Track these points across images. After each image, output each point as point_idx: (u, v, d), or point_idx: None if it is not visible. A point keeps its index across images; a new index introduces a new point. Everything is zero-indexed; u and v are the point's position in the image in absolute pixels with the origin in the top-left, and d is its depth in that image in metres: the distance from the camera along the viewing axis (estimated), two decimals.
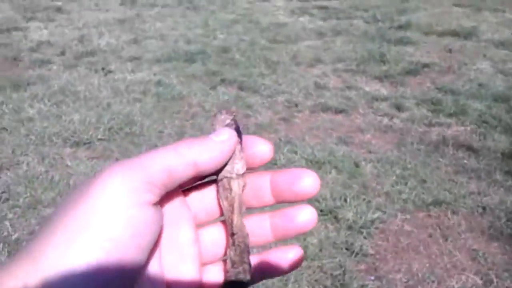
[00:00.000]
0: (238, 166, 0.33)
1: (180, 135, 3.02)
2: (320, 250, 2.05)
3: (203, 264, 0.35)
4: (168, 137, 2.98)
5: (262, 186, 0.35)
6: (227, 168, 0.33)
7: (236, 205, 0.33)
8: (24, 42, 4.72)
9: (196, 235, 0.34)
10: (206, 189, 0.36)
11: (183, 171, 0.30)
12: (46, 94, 3.46)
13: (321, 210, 2.27)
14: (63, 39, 4.84)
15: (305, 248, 2.02)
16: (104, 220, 0.26)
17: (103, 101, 3.39)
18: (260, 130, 3.14)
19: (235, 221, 0.33)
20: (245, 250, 0.33)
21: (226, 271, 0.34)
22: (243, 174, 0.33)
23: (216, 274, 0.35)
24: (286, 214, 0.34)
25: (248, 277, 0.33)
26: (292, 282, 1.88)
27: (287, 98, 3.55)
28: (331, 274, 1.93)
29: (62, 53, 4.44)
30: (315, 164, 2.69)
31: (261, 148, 0.34)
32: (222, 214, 0.35)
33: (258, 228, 0.35)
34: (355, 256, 2.03)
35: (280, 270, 0.35)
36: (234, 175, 0.33)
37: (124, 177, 0.27)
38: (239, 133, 0.34)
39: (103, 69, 3.99)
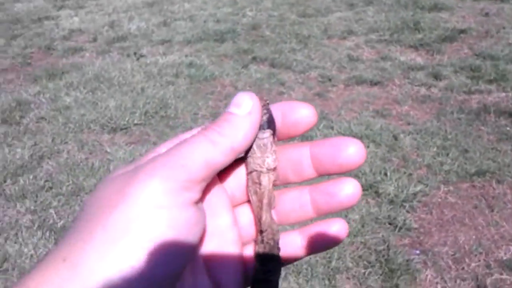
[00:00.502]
0: (269, 160, 0.31)
1: (214, 117, 3.01)
2: (362, 226, 2.02)
3: (244, 243, 0.34)
4: (203, 119, 2.98)
5: (301, 159, 0.32)
6: (258, 161, 0.31)
7: (265, 201, 0.31)
8: (56, 30, 4.78)
9: (234, 217, 0.33)
10: (239, 167, 0.34)
11: (222, 160, 0.28)
12: (81, 81, 3.51)
13: (361, 186, 2.24)
14: (94, 25, 4.88)
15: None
16: (145, 222, 0.24)
17: (137, 85, 3.41)
18: None
19: (263, 218, 0.31)
20: (275, 247, 0.31)
21: (254, 268, 0.32)
22: (274, 168, 0.31)
23: None
24: (327, 188, 0.32)
25: (277, 276, 0.31)
26: (336, 259, 1.87)
27: (320, 73, 3.50)
28: (375, 250, 1.91)
29: (94, 40, 4.48)
30: None
31: (303, 112, 0.31)
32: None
33: (298, 204, 0.33)
34: (399, 231, 2.00)
35: (324, 244, 0.33)
36: (264, 169, 0.31)
37: (163, 177, 0.26)
38: (273, 123, 0.31)
39: (135, 53, 4.01)
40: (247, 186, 0.32)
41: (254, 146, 0.31)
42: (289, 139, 0.33)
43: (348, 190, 0.31)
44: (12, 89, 3.44)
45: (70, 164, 2.53)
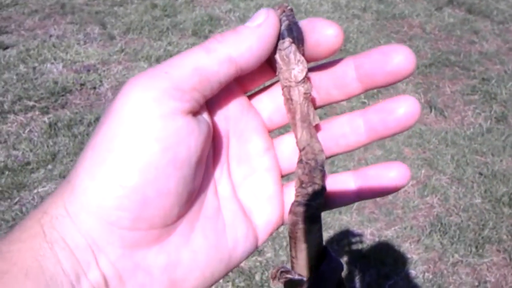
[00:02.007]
0: (295, 71, 0.28)
1: None
2: None
3: (285, 175, 0.32)
4: None
5: (345, 72, 0.29)
6: (285, 75, 0.28)
7: (298, 116, 0.28)
8: None
9: (268, 143, 0.31)
10: (278, 88, 0.31)
11: (217, 69, 0.25)
12: (271, 4, 3.62)
13: None
14: None
15: None
16: (128, 138, 0.23)
17: (322, 15, 3.42)
18: (483, 59, 2.88)
19: (299, 135, 0.28)
20: (316, 168, 0.28)
21: (296, 192, 0.29)
22: (304, 80, 0.28)
23: None
24: (383, 106, 0.28)
25: (317, 201, 0.28)
26: (490, 228, 1.78)
27: None
28: None
29: None
30: None
31: (326, 32, 0.27)
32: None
33: (348, 127, 0.30)
34: None
35: (380, 190, 0.29)
36: (292, 83, 0.28)
37: (146, 86, 0.23)
38: (295, 31, 0.28)
39: None
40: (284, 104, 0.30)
41: (278, 60, 0.28)
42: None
43: (407, 107, 0.28)
44: (207, 4, 3.68)
45: None
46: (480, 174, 2.05)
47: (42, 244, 0.22)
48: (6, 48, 2.74)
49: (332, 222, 1.78)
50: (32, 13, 3.12)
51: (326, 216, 1.79)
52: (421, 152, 2.18)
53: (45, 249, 0.22)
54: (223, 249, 0.28)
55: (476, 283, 1.60)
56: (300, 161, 0.29)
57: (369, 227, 1.79)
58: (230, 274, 1.57)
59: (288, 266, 0.31)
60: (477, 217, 1.84)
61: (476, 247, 1.71)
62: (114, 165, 0.22)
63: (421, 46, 3.03)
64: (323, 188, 0.29)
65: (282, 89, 0.29)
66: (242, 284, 1.55)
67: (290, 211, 0.29)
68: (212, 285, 0.28)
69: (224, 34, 0.26)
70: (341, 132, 0.30)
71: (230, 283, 1.55)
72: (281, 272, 0.31)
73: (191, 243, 0.26)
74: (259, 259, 1.63)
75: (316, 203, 0.28)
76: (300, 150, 0.29)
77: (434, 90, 2.67)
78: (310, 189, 0.28)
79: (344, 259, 1.66)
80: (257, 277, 1.57)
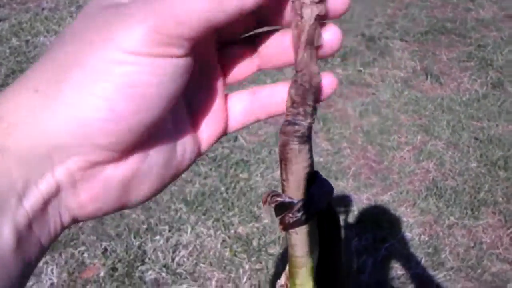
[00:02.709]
0: None
1: (390, 26, 2.91)
2: None
3: (228, 84, 0.31)
4: (377, 26, 2.90)
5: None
6: None
7: (303, 37, 0.27)
8: None
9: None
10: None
11: (226, 19, 0.23)
12: None
13: None
14: None
15: None
16: (125, 68, 0.22)
17: None
18: (479, 26, 2.86)
19: (300, 56, 0.27)
20: (310, 91, 0.28)
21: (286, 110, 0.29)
22: (320, 1, 0.26)
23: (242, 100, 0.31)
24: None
25: (308, 120, 0.28)
26: (486, 191, 1.79)
27: None
28: None
29: None
30: None
31: None
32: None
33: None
34: None
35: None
36: (308, 0, 0.26)
37: (151, 28, 0.22)
38: None
39: None
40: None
41: None
42: None
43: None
44: None
45: None
46: (476, 139, 2.06)
47: None
48: None
49: None
50: None
51: None
52: (417, 119, 2.19)
53: None
54: (172, 163, 0.28)
55: (472, 244, 1.62)
56: (295, 81, 0.28)
57: (365, 192, 1.80)
58: (228, 240, 1.59)
59: (280, 190, 0.31)
60: (472, 180, 1.85)
61: (472, 209, 1.73)
62: (107, 88, 0.22)
63: (417, 13, 3.01)
64: (315, 109, 0.28)
65: (293, 1, 0.27)
66: (240, 249, 1.57)
67: (281, 132, 0.29)
68: (157, 194, 0.28)
69: None
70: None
71: (227, 249, 1.56)
72: (272, 196, 0.31)
73: (148, 160, 0.26)
74: (256, 225, 1.65)
75: (307, 122, 0.28)
76: (297, 71, 0.28)
77: (430, 58, 2.66)
78: (301, 109, 0.28)
79: (340, 224, 1.67)
80: (255, 243, 1.59)
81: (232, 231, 1.63)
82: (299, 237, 0.31)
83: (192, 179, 1.80)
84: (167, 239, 1.58)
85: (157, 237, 1.58)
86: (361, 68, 2.51)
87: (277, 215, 0.31)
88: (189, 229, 1.61)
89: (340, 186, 1.81)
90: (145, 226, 1.61)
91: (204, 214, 1.67)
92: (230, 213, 1.69)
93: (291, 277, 0.33)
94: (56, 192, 0.23)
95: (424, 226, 1.68)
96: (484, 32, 2.88)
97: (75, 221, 0.25)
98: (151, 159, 0.27)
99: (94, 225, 1.60)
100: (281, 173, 0.31)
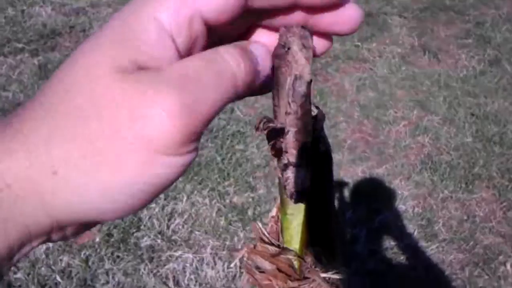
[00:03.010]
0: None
1: (388, 1, 2.88)
2: None
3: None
4: (376, 2, 2.88)
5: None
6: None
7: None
8: None
9: None
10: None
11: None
12: None
13: None
14: None
15: None
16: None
17: None
18: (478, 3, 2.85)
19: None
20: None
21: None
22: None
23: None
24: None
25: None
26: (480, 166, 1.80)
27: None
28: None
29: None
30: None
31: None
32: None
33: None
34: None
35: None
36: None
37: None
38: None
39: None
40: None
41: None
42: None
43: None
44: None
45: None
46: (472, 114, 2.06)
47: None
48: None
49: None
50: None
51: None
52: (414, 94, 2.18)
53: None
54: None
55: (465, 217, 1.63)
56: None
57: (360, 166, 1.81)
58: (223, 209, 1.60)
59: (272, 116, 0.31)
60: (467, 155, 1.86)
61: (466, 183, 1.74)
62: (133, 188, 0.21)
63: None
64: (310, 32, 0.27)
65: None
66: (235, 218, 1.58)
67: (273, 55, 0.28)
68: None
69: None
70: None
71: (223, 218, 1.57)
72: (264, 122, 0.31)
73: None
74: (251, 195, 1.66)
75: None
76: None
77: (428, 34, 2.65)
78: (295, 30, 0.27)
79: (335, 195, 1.68)
80: (250, 212, 1.60)
81: (228, 201, 1.63)
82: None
83: None
84: (163, 207, 1.59)
85: (153, 205, 1.58)
86: (359, 43, 2.50)
87: (269, 141, 0.32)
88: (185, 198, 1.62)
89: (335, 159, 1.82)
90: None
91: (199, 184, 1.68)
92: (226, 183, 1.69)
93: (283, 206, 0.33)
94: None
95: (418, 199, 1.69)
96: (483, 9, 2.87)
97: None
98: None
99: None
100: (273, 99, 0.30)
